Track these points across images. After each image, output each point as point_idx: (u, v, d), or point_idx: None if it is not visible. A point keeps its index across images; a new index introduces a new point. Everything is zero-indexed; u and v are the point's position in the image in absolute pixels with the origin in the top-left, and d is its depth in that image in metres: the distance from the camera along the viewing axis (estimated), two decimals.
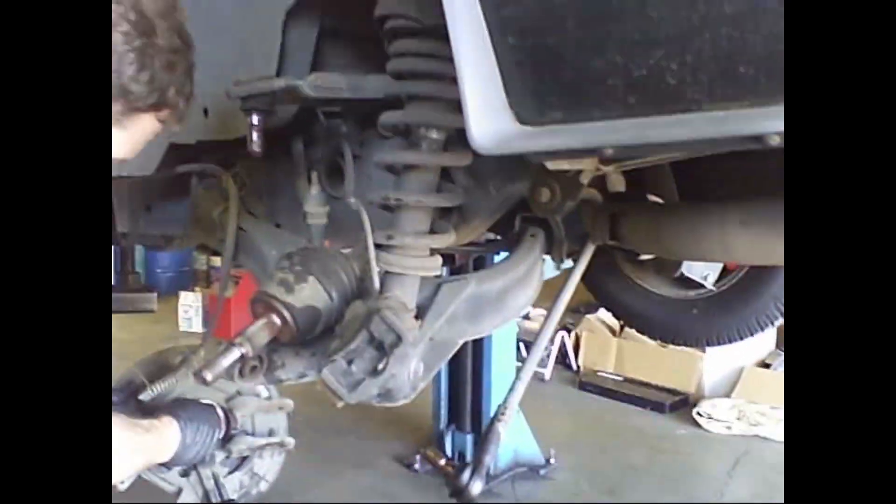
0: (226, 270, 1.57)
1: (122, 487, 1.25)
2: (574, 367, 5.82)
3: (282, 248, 1.45)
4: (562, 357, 5.87)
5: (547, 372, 5.69)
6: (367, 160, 1.54)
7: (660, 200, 1.46)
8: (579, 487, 3.83)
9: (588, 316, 5.84)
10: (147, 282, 8.11)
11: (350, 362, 1.07)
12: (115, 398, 1.25)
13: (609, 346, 5.64)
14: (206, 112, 1.47)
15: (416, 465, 4.01)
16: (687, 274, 1.98)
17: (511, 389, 1.23)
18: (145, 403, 1.29)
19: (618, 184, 1.30)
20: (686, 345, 2.35)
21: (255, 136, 1.20)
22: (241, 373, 1.24)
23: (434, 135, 1.17)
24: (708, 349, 5.00)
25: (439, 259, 1.27)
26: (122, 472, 1.04)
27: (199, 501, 1.30)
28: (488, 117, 0.83)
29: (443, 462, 1.26)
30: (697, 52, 0.67)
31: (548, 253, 1.50)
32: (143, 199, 1.93)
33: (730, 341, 2.17)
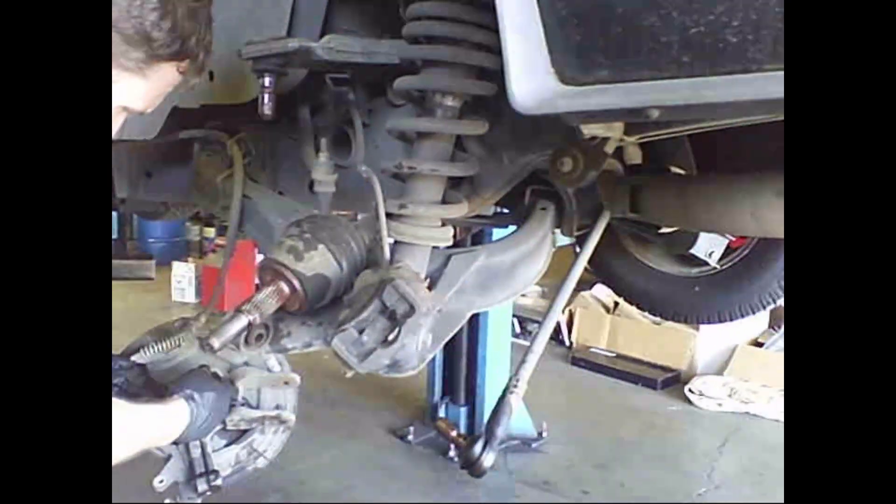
0: (232, 238, 1.55)
1: (161, 488, 1.24)
2: (566, 342, 5.84)
3: (288, 216, 1.43)
4: (554, 333, 5.89)
5: None
6: (375, 129, 1.52)
7: (681, 172, 1.44)
8: (571, 461, 3.87)
9: (582, 293, 5.85)
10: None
11: (361, 331, 1.06)
12: (122, 363, 1.22)
13: (602, 323, 5.67)
14: (211, 75, 1.44)
15: (410, 437, 4.03)
16: (692, 251, 1.97)
17: (523, 361, 1.22)
18: (151, 370, 1.27)
19: (635, 156, 1.28)
20: (687, 322, 2.35)
21: (266, 98, 1.17)
22: (246, 341, 1.23)
23: (450, 102, 1.14)
24: (702, 327, 5.04)
25: (451, 230, 1.25)
26: (121, 456, 1.02)
27: (184, 470, 1.25)
28: (529, 76, 0.80)
29: (454, 433, 1.25)
30: (762, 8, 0.64)
31: (557, 227, 1.48)
32: (144, 164, 1.89)
33: (731, 319, 2.17)
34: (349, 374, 1.09)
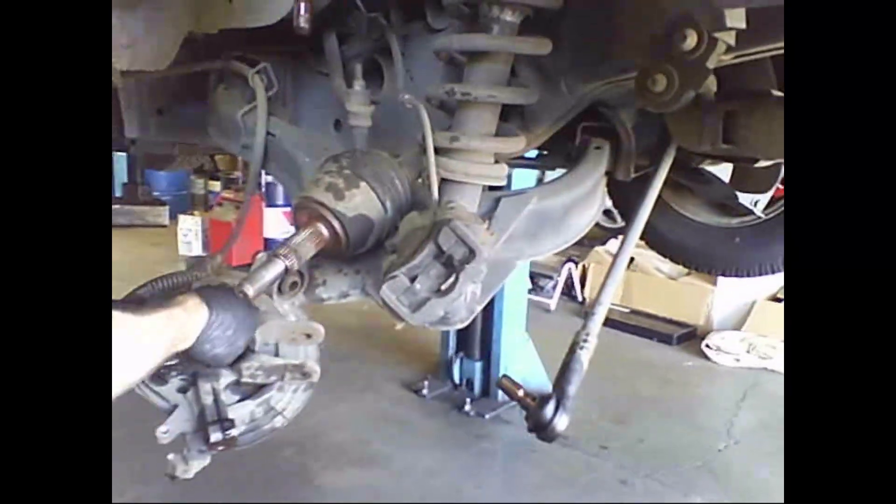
0: (254, 177, 1.42)
1: (166, 439, 1.09)
2: (580, 298, 5.76)
3: (317, 155, 1.30)
4: (567, 289, 5.82)
5: (552, 303, 5.66)
6: (410, 58, 1.37)
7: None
8: (588, 415, 3.82)
9: (595, 248, 5.75)
10: None
11: (413, 279, 0.94)
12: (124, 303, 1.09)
13: None
14: None
15: (424, 391, 3.98)
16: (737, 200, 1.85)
17: (591, 314, 1.10)
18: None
19: (711, 82, 1.13)
20: (725, 275, 2.24)
21: (302, 9, 1.03)
22: (280, 289, 1.11)
23: (508, 16, 1.00)
24: (719, 282, 4.95)
25: (505, 167, 1.12)
26: (133, 372, 0.89)
27: (193, 419, 1.10)
28: None
29: (521, 393, 1.12)
30: None
31: (611, 169, 1.35)
32: (155, 100, 1.74)
33: (773, 272, 2.06)
34: (399, 327, 0.98)
